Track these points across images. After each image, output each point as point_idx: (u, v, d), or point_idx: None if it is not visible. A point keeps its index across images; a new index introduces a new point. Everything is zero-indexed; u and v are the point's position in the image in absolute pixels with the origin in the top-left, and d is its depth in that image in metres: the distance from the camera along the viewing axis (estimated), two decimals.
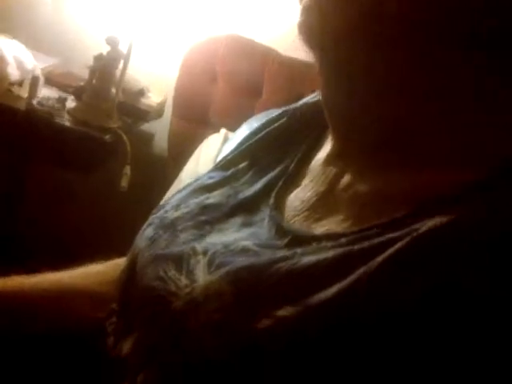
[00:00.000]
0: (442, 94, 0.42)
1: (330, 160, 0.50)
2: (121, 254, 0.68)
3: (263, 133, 0.60)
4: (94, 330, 0.54)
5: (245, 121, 1.51)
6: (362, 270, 0.37)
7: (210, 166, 1.40)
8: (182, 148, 1.66)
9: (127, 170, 1.55)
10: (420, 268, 0.36)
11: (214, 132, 1.61)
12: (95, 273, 0.63)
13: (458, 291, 0.34)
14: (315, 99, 0.59)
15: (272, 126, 0.60)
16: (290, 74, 1.69)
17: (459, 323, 0.34)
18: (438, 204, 0.38)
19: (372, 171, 0.45)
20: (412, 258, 0.36)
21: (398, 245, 0.37)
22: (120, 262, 0.60)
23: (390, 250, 0.37)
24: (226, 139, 1.53)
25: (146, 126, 1.82)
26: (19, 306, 0.58)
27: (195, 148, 1.54)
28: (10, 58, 1.54)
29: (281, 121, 0.60)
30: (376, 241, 0.38)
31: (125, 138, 1.52)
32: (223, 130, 1.58)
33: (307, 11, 0.45)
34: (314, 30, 0.45)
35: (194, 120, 1.77)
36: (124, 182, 1.55)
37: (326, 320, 0.37)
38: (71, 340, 0.57)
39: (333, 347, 0.36)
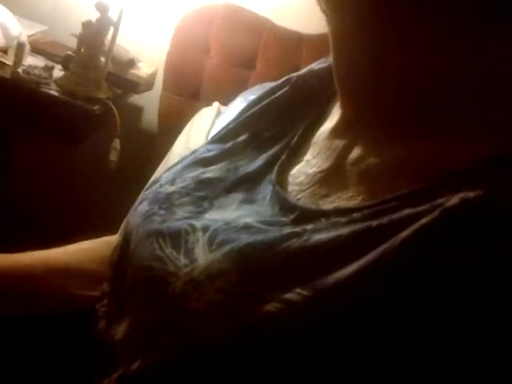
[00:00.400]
0: (464, 63, 0.40)
1: (337, 132, 0.48)
2: (110, 230, 0.65)
3: (265, 102, 0.57)
4: (86, 311, 0.51)
5: (238, 94, 1.48)
6: (384, 247, 0.34)
7: (202, 140, 1.36)
8: (173, 122, 1.63)
9: (116, 143, 1.51)
10: (454, 242, 0.33)
11: (206, 105, 1.57)
12: (86, 250, 0.60)
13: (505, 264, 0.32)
14: (321, 66, 0.55)
15: (274, 95, 0.57)
16: (284, 45, 1.65)
17: (502, 299, 0.32)
18: (459, 176, 0.36)
19: (384, 143, 0.43)
20: (444, 231, 0.34)
21: (425, 219, 0.34)
22: (111, 240, 0.58)
23: (416, 225, 0.34)
24: (218, 113, 1.50)
25: (135, 99, 1.78)
26: (6, 286, 0.55)
27: (186, 122, 1.50)
28: None
29: (283, 89, 0.57)
30: (396, 216, 0.36)
31: (114, 109, 1.47)
32: (216, 104, 1.54)
33: None
34: None
35: (186, 93, 1.73)
36: (113, 157, 1.51)
37: (342, 302, 0.34)
38: (63, 321, 0.55)
39: (347, 333, 0.34)
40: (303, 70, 0.57)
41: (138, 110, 1.85)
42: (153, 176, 1.23)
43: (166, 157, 1.37)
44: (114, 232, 0.62)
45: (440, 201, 0.35)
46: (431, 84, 0.41)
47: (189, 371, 0.38)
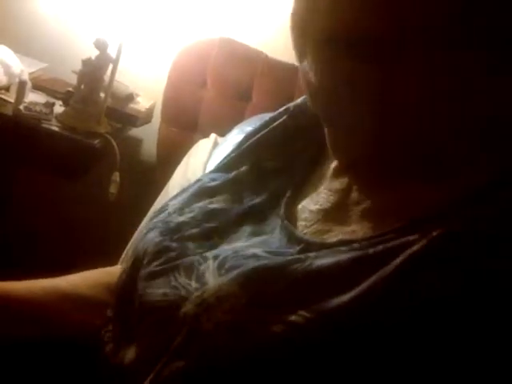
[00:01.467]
0: (468, 110, 0.41)
1: (336, 173, 0.50)
2: (110, 261, 0.66)
3: (264, 132, 0.59)
4: (92, 337, 0.52)
5: (235, 125, 1.51)
6: (379, 273, 0.37)
7: (200, 171, 1.38)
8: (171, 154, 1.65)
9: (116, 176, 1.53)
10: (442, 265, 0.36)
11: (204, 137, 1.60)
12: (89, 278, 0.61)
13: (492, 287, 0.35)
14: None
15: (272, 125, 0.59)
16: (279, 76, 1.69)
17: (495, 319, 0.34)
18: (446, 211, 0.39)
19: (375, 189, 0.45)
20: (432, 257, 0.37)
21: (415, 247, 0.37)
22: (111, 270, 0.59)
23: (407, 253, 0.37)
24: (215, 144, 1.52)
25: (134, 132, 1.81)
26: (22, 310, 0.56)
27: (184, 154, 1.53)
28: None
29: (281, 119, 0.58)
30: (391, 244, 0.39)
31: (114, 143, 1.50)
32: (213, 135, 1.57)
33: (293, 17, 0.45)
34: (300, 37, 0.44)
35: (184, 125, 1.75)
36: (113, 189, 1.53)
37: (341, 325, 0.37)
38: (70, 348, 0.56)
39: (347, 353, 0.36)
40: (299, 100, 0.58)
41: (137, 143, 1.87)
42: (152, 207, 1.25)
43: (165, 188, 1.39)
44: (114, 263, 0.64)
45: (428, 231, 0.38)
46: (437, 135, 0.41)
47: None
